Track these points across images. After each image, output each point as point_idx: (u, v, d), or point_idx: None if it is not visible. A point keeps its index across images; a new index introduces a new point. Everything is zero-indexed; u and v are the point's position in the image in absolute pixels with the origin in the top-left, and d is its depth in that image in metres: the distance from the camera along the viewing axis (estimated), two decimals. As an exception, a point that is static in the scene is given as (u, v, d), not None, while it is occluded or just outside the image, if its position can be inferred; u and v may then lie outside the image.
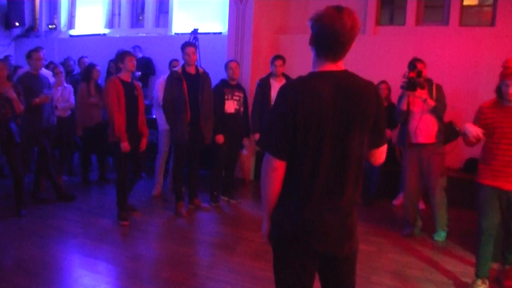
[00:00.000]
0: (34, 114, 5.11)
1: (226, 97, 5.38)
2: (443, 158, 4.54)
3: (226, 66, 5.48)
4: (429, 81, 4.49)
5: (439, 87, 4.49)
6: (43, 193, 5.53)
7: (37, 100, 5.02)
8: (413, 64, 4.41)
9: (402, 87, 4.41)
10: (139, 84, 5.02)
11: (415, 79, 4.31)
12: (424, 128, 4.43)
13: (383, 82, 5.77)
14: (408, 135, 4.54)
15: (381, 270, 3.79)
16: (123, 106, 4.62)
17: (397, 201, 5.83)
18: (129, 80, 4.77)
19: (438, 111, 4.38)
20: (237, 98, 5.46)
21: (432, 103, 4.36)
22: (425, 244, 4.46)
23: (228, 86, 5.44)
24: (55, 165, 5.72)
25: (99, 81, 6.37)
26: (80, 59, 7.27)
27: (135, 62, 4.78)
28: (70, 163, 6.86)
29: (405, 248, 4.36)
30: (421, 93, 4.37)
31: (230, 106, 5.41)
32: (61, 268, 3.74)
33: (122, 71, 4.72)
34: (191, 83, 4.95)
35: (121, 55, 4.70)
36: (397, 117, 4.63)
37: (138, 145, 4.88)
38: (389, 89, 5.80)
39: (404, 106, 4.50)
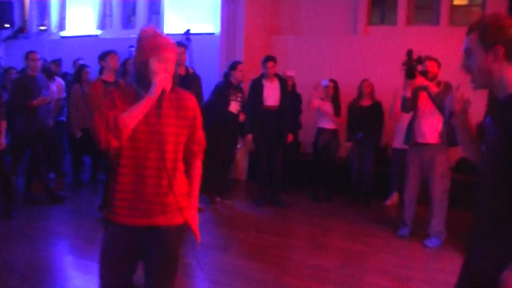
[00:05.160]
0: (30, 116, 5.06)
1: (231, 97, 5.46)
2: (448, 159, 4.41)
3: (235, 68, 5.51)
4: (438, 82, 4.32)
5: (446, 85, 4.18)
6: (35, 194, 5.48)
7: (34, 102, 4.96)
8: (409, 51, 4.20)
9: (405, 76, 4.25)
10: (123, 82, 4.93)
11: (412, 64, 4.14)
12: (430, 128, 4.32)
13: (365, 80, 5.73)
14: (413, 134, 4.45)
15: (374, 270, 3.80)
16: None
17: (389, 201, 5.85)
18: (113, 80, 4.67)
19: (441, 100, 4.00)
20: (240, 99, 5.55)
21: (434, 89, 4.15)
22: (418, 244, 4.45)
23: (233, 87, 5.52)
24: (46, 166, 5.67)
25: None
26: (75, 61, 7.22)
27: (118, 60, 4.70)
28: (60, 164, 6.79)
29: (398, 248, 4.37)
30: (423, 81, 4.21)
31: (234, 106, 5.48)
32: (53, 269, 3.72)
33: (105, 70, 4.65)
34: (179, 84, 4.91)
35: (104, 54, 4.66)
36: (403, 107, 4.48)
37: None
38: (372, 86, 5.72)
39: (408, 93, 4.33)
